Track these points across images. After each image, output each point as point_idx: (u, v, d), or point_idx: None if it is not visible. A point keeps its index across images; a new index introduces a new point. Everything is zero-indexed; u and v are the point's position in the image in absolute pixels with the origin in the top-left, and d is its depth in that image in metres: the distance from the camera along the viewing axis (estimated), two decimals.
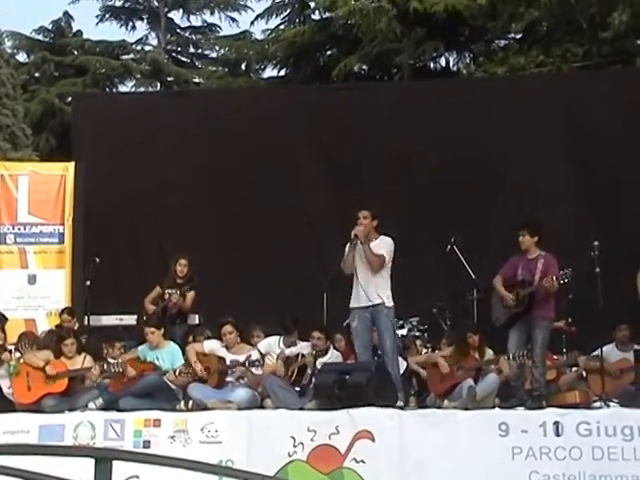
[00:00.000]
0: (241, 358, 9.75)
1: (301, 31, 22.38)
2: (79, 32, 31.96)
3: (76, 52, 31.18)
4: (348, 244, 9.43)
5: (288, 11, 24.27)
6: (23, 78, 29.66)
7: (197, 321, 11.26)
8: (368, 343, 9.49)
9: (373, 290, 9.34)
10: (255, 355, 9.81)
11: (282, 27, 24.22)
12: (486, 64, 19.76)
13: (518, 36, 20.42)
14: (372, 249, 9.32)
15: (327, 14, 22.23)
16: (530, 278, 9.19)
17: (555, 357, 10.10)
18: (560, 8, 17.87)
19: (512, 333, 9.25)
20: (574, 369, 10.08)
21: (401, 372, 9.79)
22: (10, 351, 10.28)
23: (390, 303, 9.36)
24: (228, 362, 9.78)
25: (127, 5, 31.86)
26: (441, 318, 11.15)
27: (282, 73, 23.93)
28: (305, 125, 12.69)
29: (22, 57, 31.80)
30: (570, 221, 11.63)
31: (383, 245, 9.42)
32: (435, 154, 12.25)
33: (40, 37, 31.76)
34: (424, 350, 10.62)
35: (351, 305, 9.45)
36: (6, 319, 10.85)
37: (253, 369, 9.65)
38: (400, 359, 9.94)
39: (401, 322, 10.71)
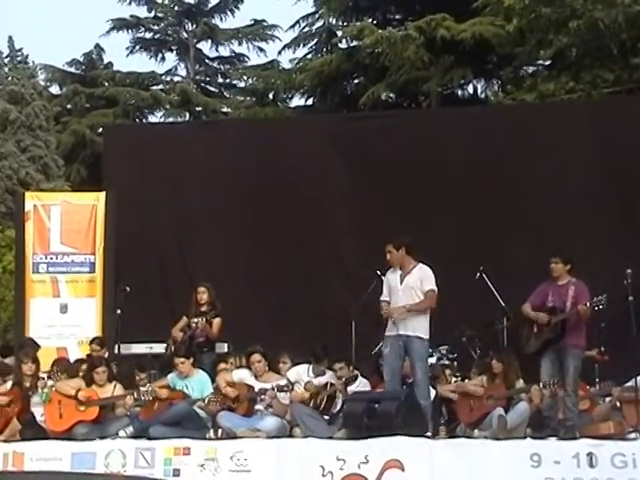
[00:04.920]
0: (270, 387, 9.76)
1: (328, 60, 22.49)
2: (110, 64, 32.35)
3: (107, 84, 31.55)
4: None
5: (315, 40, 24.43)
6: (55, 110, 30.04)
7: (226, 349, 11.31)
8: (397, 371, 9.45)
9: (411, 321, 9.32)
10: (284, 383, 9.81)
11: (309, 56, 24.37)
12: (514, 91, 19.72)
13: (547, 62, 20.39)
14: (414, 280, 9.34)
15: (354, 43, 22.33)
16: (561, 305, 9.14)
17: (588, 387, 10.00)
18: (590, 34, 17.85)
19: (544, 361, 9.18)
20: (607, 399, 9.91)
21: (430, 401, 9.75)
22: (43, 379, 10.36)
23: (426, 335, 9.35)
24: (257, 390, 9.79)
25: (157, 37, 32.23)
26: (470, 347, 11.10)
27: (309, 102, 24.05)
28: (333, 154, 12.73)
29: (55, 89, 32.25)
30: (601, 248, 11.55)
31: (426, 277, 9.42)
32: (463, 181, 12.24)
33: (72, 69, 32.19)
34: (453, 379, 10.57)
35: (386, 333, 9.45)
36: (39, 347, 10.94)
37: (281, 396, 9.65)
38: (430, 388, 9.91)
39: (430, 351, 10.66)
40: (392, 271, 9.57)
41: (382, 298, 9.60)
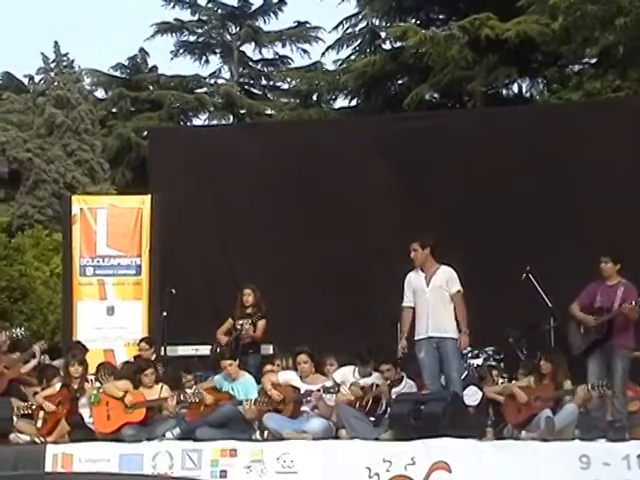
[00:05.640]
0: (315, 388, 9.76)
1: (372, 61, 22.45)
2: (154, 67, 32.62)
3: (151, 87, 31.82)
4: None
5: (359, 41, 24.40)
6: (101, 114, 30.37)
7: (271, 351, 11.33)
8: (436, 373, 9.46)
9: (440, 322, 9.33)
10: (330, 384, 9.81)
11: (353, 57, 24.36)
12: (560, 90, 19.56)
13: (593, 61, 20.19)
14: (440, 281, 9.36)
15: (398, 43, 22.29)
16: (609, 305, 9.06)
17: (638, 388, 9.87)
18: (637, 31, 17.62)
19: (591, 362, 9.10)
20: None
21: (477, 402, 9.71)
22: (90, 381, 10.45)
23: (456, 334, 9.34)
24: (303, 392, 9.80)
25: (200, 40, 32.44)
26: (517, 348, 11.02)
27: (353, 103, 24.03)
28: (378, 155, 12.70)
29: (100, 93, 32.59)
30: None
31: (452, 279, 9.44)
32: (509, 181, 12.15)
33: (117, 73, 32.51)
34: (500, 380, 10.50)
35: (416, 337, 9.43)
36: (86, 350, 11.05)
37: (327, 398, 9.65)
38: (476, 389, 9.86)
39: (476, 352, 10.62)
40: (415, 273, 9.58)
41: (405, 304, 9.56)
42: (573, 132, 12.09)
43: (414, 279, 9.54)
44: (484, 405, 9.86)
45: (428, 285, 9.43)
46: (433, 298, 9.37)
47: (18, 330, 11.30)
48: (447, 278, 9.44)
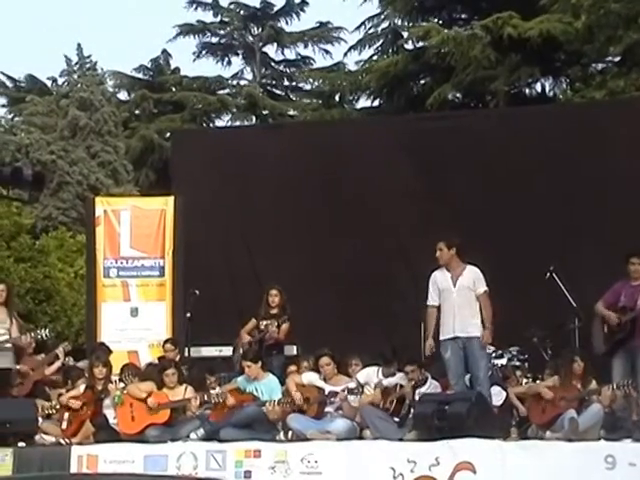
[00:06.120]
0: (339, 389, 9.76)
1: (394, 61, 22.43)
2: (177, 69, 32.73)
3: (174, 89, 31.93)
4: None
5: (381, 42, 24.38)
6: (124, 116, 30.49)
7: (294, 352, 11.33)
8: (461, 373, 9.45)
9: (465, 321, 9.30)
10: (353, 385, 9.80)
11: (375, 58, 24.33)
12: (583, 89, 19.47)
13: (616, 59, 20.08)
14: (467, 281, 9.34)
15: (420, 43, 22.26)
16: (632, 304, 9.02)
17: None
18: None
19: (615, 362, 9.06)
20: None
21: (501, 402, 9.67)
22: (114, 382, 10.49)
23: (481, 333, 9.30)
24: (327, 393, 9.79)
25: (223, 41, 32.51)
26: (542, 347, 10.97)
27: (376, 103, 24.01)
28: (400, 155, 12.69)
29: (123, 95, 32.74)
30: None
31: (479, 278, 9.43)
32: (532, 181, 12.11)
33: (140, 75, 32.65)
34: (524, 380, 10.46)
35: (441, 337, 9.41)
36: (110, 351, 11.09)
37: (351, 398, 9.64)
38: (500, 389, 9.82)
39: (500, 352, 10.58)
40: (440, 272, 9.55)
41: (430, 302, 9.54)
42: (596, 131, 12.01)
43: (440, 278, 9.52)
44: (508, 405, 9.82)
45: (455, 285, 9.42)
46: (460, 298, 9.35)
47: (43, 332, 11.35)
48: (474, 278, 9.42)
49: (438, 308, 9.48)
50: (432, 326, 9.50)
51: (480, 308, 9.36)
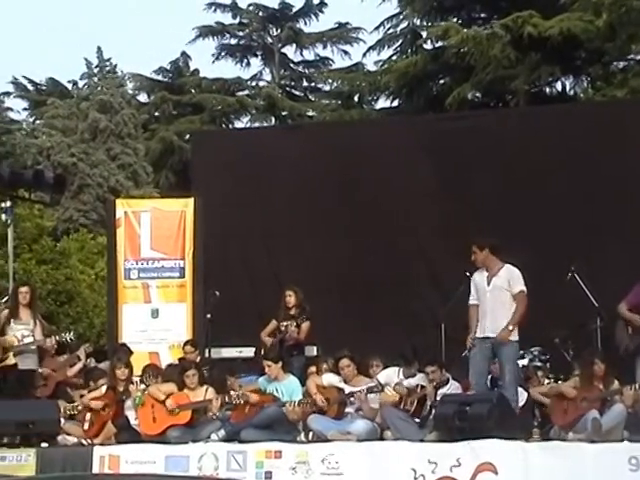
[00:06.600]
0: (359, 390, 9.74)
1: (413, 61, 22.37)
2: (196, 71, 32.82)
3: (193, 90, 32.02)
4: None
5: (400, 42, 24.31)
6: (143, 118, 30.62)
7: (315, 352, 11.33)
8: (483, 373, 9.42)
9: (496, 322, 9.26)
10: (373, 384, 9.78)
11: (394, 58, 24.26)
12: (604, 87, 19.36)
13: (638, 57, 19.97)
14: (501, 282, 9.29)
15: (439, 43, 22.19)
16: None
17: None
18: None
19: (639, 362, 8.98)
20: None
21: (522, 403, 9.62)
22: (136, 383, 10.52)
23: (514, 337, 9.28)
24: (347, 393, 9.78)
25: (242, 43, 32.58)
26: (563, 348, 10.92)
27: (395, 104, 23.96)
28: (420, 155, 12.66)
29: (143, 97, 32.88)
30: None
31: (514, 278, 9.37)
32: (553, 180, 12.05)
33: (159, 77, 32.77)
34: (546, 381, 10.40)
35: (476, 335, 9.38)
36: (132, 352, 11.12)
37: (370, 397, 9.61)
38: (522, 390, 9.77)
39: (522, 352, 10.53)
40: (479, 272, 9.53)
41: (471, 301, 9.56)
42: (617, 129, 11.95)
43: (478, 279, 9.52)
44: (530, 406, 9.77)
45: (489, 285, 9.39)
46: (493, 298, 9.33)
47: (67, 335, 11.43)
48: (509, 277, 9.37)
49: (478, 306, 9.46)
50: (472, 324, 9.48)
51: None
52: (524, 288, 9.32)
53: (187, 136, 28.30)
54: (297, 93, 33.09)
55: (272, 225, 12.92)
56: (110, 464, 9.47)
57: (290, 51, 32.76)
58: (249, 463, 9.14)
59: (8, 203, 13.10)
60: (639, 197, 11.69)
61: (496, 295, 9.32)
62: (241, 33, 32.49)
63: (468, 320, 9.60)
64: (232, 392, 10.04)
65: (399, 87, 22.82)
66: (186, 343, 11.61)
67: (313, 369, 10.64)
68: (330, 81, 30.01)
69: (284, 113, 30.96)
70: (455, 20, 22.55)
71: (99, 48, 30.39)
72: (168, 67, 32.69)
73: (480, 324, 9.35)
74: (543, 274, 11.34)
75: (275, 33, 32.50)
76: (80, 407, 10.48)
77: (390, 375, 9.94)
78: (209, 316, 11.59)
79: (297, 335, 11.05)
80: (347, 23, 32.49)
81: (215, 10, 31.92)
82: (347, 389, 9.81)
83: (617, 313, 9.32)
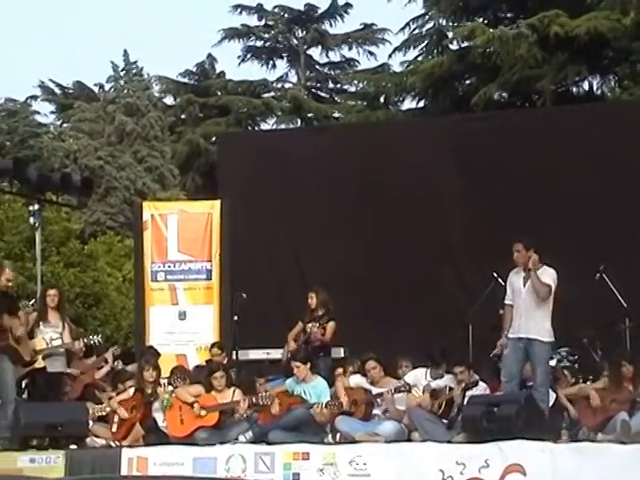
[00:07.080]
0: (386, 390, 9.73)
1: (439, 62, 22.32)
2: (222, 73, 32.90)
3: (219, 93, 32.09)
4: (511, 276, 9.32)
5: (426, 42, 24.27)
6: (170, 120, 30.74)
7: (342, 354, 11.32)
8: (515, 373, 9.37)
9: (534, 323, 9.24)
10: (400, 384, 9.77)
11: (420, 58, 24.23)
12: (632, 86, 19.24)
13: None
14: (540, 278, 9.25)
15: (465, 43, 22.13)
16: None
17: None
18: None
19: None
20: None
21: (550, 404, 9.57)
22: (163, 385, 10.56)
23: (548, 338, 9.28)
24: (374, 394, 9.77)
25: (267, 45, 32.63)
26: (592, 348, 10.85)
27: (421, 104, 23.91)
28: (446, 155, 12.63)
29: (169, 100, 33.00)
30: None
31: (548, 275, 9.36)
32: (580, 180, 11.98)
33: (185, 80, 32.86)
34: (574, 381, 10.34)
35: (510, 335, 9.36)
36: (159, 354, 11.16)
37: (397, 397, 9.59)
38: (550, 391, 9.72)
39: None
40: (516, 272, 9.50)
41: (506, 301, 9.53)
42: None
43: (514, 278, 9.49)
44: (558, 407, 9.71)
45: (525, 285, 9.36)
46: (529, 299, 9.30)
47: (95, 338, 11.49)
48: (547, 276, 9.35)
49: (513, 307, 9.43)
50: (505, 324, 9.47)
51: (552, 311, 9.27)
52: (551, 284, 9.29)
53: (213, 138, 28.37)
54: (323, 94, 33.10)
55: (299, 226, 12.92)
56: (138, 466, 9.51)
57: (316, 53, 32.81)
58: (277, 465, 9.15)
59: (36, 206, 13.17)
60: None
61: (531, 296, 9.29)
62: (267, 35, 32.54)
63: (502, 320, 9.58)
64: (259, 394, 10.05)
65: (425, 88, 22.77)
66: (213, 345, 11.64)
67: (340, 371, 10.64)
68: (356, 82, 30.00)
69: (310, 115, 30.98)
70: (481, 20, 22.49)
71: (125, 51, 30.57)
72: (194, 69, 32.79)
73: (515, 324, 9.33)
74: (571, 274, 11.25)
75: (300, 35, 32.52)
76: (108, 409, 10.53)
77: (418, 376, 9.92)
78: (236, 318, 11.61)
79: (322, 336, 11.04)
80: (373, 24, 32.47)
81: (241, 12, 32.00)
82: (374, 390, 9.81)
83: None
